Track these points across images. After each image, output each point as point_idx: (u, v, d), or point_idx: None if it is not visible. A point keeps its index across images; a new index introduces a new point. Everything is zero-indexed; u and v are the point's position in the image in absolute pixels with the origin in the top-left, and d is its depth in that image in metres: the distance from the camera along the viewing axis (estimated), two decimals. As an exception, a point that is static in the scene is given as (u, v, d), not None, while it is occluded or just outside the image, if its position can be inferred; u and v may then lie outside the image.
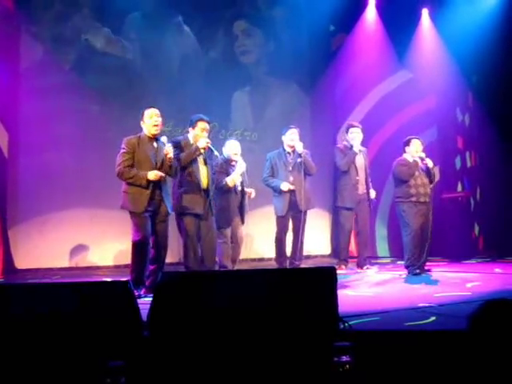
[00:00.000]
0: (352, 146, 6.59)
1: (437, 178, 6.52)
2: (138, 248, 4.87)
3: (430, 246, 6.19)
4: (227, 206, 5.82)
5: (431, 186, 6.26)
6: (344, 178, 6.64)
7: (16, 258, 6.58)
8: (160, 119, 5.01)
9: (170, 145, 5.01)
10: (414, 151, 6.15)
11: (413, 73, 8.24)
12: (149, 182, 4.82)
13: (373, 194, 6.70)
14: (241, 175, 5.89)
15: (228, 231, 5.88)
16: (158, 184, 4.90)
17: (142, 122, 4.99)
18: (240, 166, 5.86)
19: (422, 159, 6.15)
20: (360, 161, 6.66)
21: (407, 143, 6.24)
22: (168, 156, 4.92)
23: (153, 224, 4.94)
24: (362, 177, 6.64)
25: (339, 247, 6.86)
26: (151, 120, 4.95)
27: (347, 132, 6.74)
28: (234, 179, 5.79)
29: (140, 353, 2.77)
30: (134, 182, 4.84)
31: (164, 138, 5.06)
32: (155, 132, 4.98)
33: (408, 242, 6.08)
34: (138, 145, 4.92)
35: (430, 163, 6.17)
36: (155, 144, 5.00)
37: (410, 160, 6.13)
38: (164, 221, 5.01)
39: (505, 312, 1.91)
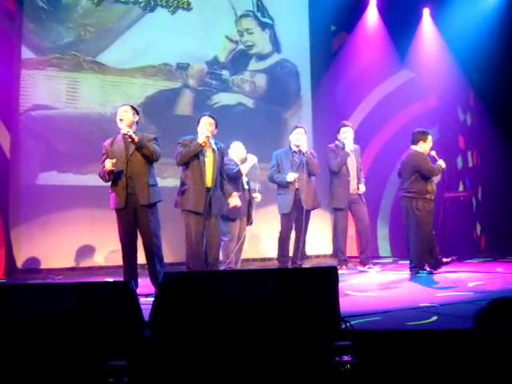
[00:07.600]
0: (344, 146, 6.60)
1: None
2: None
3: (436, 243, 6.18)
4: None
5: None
6: (335, 179, 6.65)
7: (18, 258, 6.59)
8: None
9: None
10: (428, 148, 5.97)
11: (414, 72, 8.24)
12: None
13: (362, 188, 6.64)
14: (251, 167, 6.02)
15: (235, 226, 5.89)
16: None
17: None
18: (250, 160, 5.98)
19: (436, 160, 6.00)
20: (352, 160, 6.66)
21: (424, 138, 5.98)
22: None
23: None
24: (353, 176, 6.64)
25: (337, 248, 6.89)
26: None
27: (339, 132, 6.76)
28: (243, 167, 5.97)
29: (142, 353, 2.77)
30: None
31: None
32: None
33: (419, 242, 5.84)
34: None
35: (443, 164, 6.02)
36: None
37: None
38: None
39: (510, 311, 1.90)
